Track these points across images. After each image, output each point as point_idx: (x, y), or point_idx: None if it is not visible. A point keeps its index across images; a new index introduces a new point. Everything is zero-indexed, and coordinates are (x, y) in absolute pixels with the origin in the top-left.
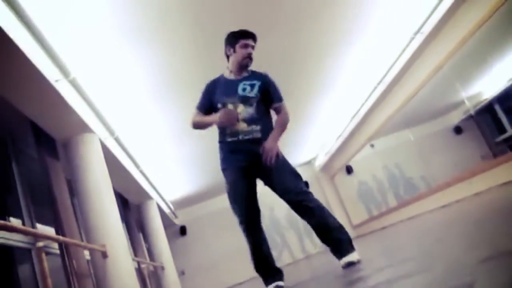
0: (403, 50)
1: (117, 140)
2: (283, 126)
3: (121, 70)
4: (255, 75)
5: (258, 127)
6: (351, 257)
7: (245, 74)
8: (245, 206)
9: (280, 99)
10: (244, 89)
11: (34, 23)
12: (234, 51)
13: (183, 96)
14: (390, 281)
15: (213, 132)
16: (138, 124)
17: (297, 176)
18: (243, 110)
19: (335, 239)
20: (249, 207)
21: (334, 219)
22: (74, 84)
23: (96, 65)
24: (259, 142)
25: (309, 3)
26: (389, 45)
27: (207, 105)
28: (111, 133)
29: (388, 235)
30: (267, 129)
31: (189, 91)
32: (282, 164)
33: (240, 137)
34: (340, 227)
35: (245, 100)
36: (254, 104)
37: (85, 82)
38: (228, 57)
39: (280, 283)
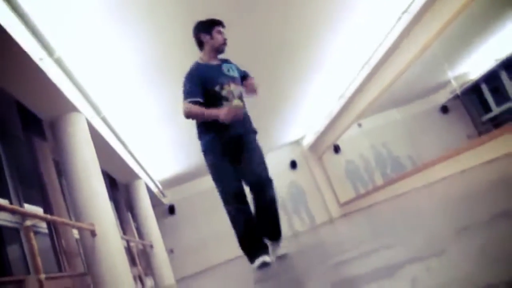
0: (391, 30)
1: (104, 119)
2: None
3: (107, 48)
4: (225, 60)
5: (243, 103)
6: (283, 249)
7: (219, 58)
8: (229, 180)
9: (248, 73)
10: (228, 70)
11: (17, 1)
12: (211, 38)
13: (171, 76)
14: (371, 252)
15: None
16: (125, 104)
17: (264, 163)
18: (235, 88)
19: (278, 226)
20: (237, 183)
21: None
22: (59, 62)
23: (82, 44)
24: (246, 115)
25: None
26: (376, 25)
27: (201, 92)
28: (98, 112)
29: (373, 212)
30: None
31: (177, 71)
32: (255, 147)
33: (238, 112)
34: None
35: (233, 79)
36: (239, 83)
37: (70, 61)
38: (201, 44)
39: (266, 258)
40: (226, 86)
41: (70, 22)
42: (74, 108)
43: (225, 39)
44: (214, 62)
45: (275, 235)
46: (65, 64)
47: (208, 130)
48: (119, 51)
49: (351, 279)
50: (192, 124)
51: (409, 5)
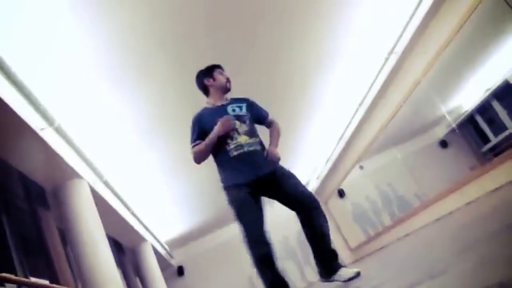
0: (380, 71)
1: (106, 183)
2: (279, 134)
3: (106, 112)
4: (236, 100)
5: (257, 140)
6: (349, 271)
7: (226, 101)
8: (255, 220)
9: (268, 113)
10: (233, 110)
11: (15, 73)
12: (214, 80)
13: (169, 134)
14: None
15: (202, 169)
16: (126, 165)
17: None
18: (240, 126)
19: (332, 251)
20: (259, 221)
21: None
22: (59, 131)
23: (80, 110)
24: (261, 155)
25: (283, 35)
26: (365, 67)
27: (202, 134)
28: (100, 177)
29: (386, 254)
30: (262, 144)
31: (176, 127)
32: (290, 175)
33: (246, 149)
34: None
35: (239, 118)
36: (247, 121)
37: (70, 128)
38: (207, 90)
39: None
40: None
41: (67, 89)
42: (76, 175)
43: (227, 78)
44: (220, 103)
45: (334, 258)
46: (65, 132)
47: (226, 176)
48: (115, 113)
49: None
50: (194, 181)
51: (394, 45)
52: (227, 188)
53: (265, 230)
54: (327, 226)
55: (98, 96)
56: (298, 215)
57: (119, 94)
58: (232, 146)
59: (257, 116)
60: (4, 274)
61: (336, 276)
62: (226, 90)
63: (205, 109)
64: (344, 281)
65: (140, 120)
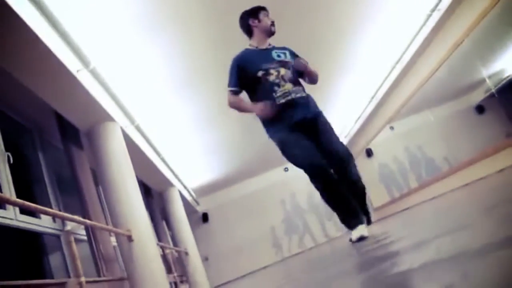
0: (420, 28)
1: (137, 128)
2: (316, 73)
3: (139, 59)
4: (278, 47)
5: (300, 88)
6: (357, 233)
7: (269, 45)
8: (308, 152)
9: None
10: (278, 56)
11: (55, 16)
12: (259, 21)
13: (202, 84)
14: (411, 247)
15: (233, 122)
16: (158, 112)
17: (340, 141)
18: (285, 72)
19: (352, 206)
20: (312, 152)
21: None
22: (94, 73)
23: (115, 55)
24: (306, 99)
25: None
26: (405, 24)
27: (241, 82)
28: (132, 121)
29: (409, 215)
30: (305, 90)
31: (208, 78)
32: (329, 126)
33: (293, 95)
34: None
35: (284, 64)
36: (291, 69)
37: (104, 72)
38: (250, 31)
39: (363, 231)
40: (273, 71)
41: (102, 33)
42: (109, 118)
43: (272, 21)
44: (264, 46)
45: (354, 214)
46: (100, 75)
47: (272, 124)
48: (150, 60)
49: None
50: (224, 132)
51: (438, 2)
52: (273, 133)
53: (319, 158)
54: (355, 182)
55: (133, 43)
56: (331, 168)
57: (154, 44)
58: (279, 94)
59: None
60: (41, 207)
61: (352, 234)
62: (271, 33)
63: (247, 50)
64: (352, 242)
65: (174, 69)
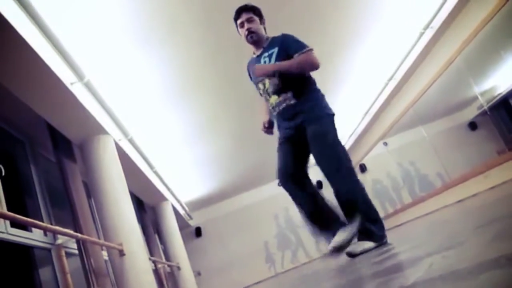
0: (413, 46)
1: (131, 141)
2: (299, 62)
3: (134, 71)
4: (272, 42)
5: (289, 94)
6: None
7: (263, 46)
8: (281, 159)
9: (297, 49)
10: (265, 62)
11: (50, 28)
12: (239, 33)
13: (196, 98)
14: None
15: (225, 135)
16: (152, 125)
17: (334, 154)
18: (269, 84)
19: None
20: (288, 162)
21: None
22: (88, 86)
23: (110, 67)
24: (296, 107)
25: (317, 4)
26: (398, 41)
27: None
28: (125, 134)
29: (404, 229)
30: (301, 90)
31: (202, 92)
32: (318, 136)
33: (279, 108)
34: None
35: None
36: (277, 73)
37: (99, 84)
38: None
39: (338, 239)
40: (260, 85)
41: (97, 46)
42: (103, 130)
43: (248, 29)
44: (258, 52)
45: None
46: (94, 88)
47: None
48: (144, 73)
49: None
50: (218, 146)
51: (431, 20)
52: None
53: (297, 169)
54: (342, 189)
55: (127, 56)
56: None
57: (148, 56)
58: (271, 108)
59: (288, 55)
60: (32, 220)
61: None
62: (252, 43)
63: (250, 58)
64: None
65: (167, 82)
